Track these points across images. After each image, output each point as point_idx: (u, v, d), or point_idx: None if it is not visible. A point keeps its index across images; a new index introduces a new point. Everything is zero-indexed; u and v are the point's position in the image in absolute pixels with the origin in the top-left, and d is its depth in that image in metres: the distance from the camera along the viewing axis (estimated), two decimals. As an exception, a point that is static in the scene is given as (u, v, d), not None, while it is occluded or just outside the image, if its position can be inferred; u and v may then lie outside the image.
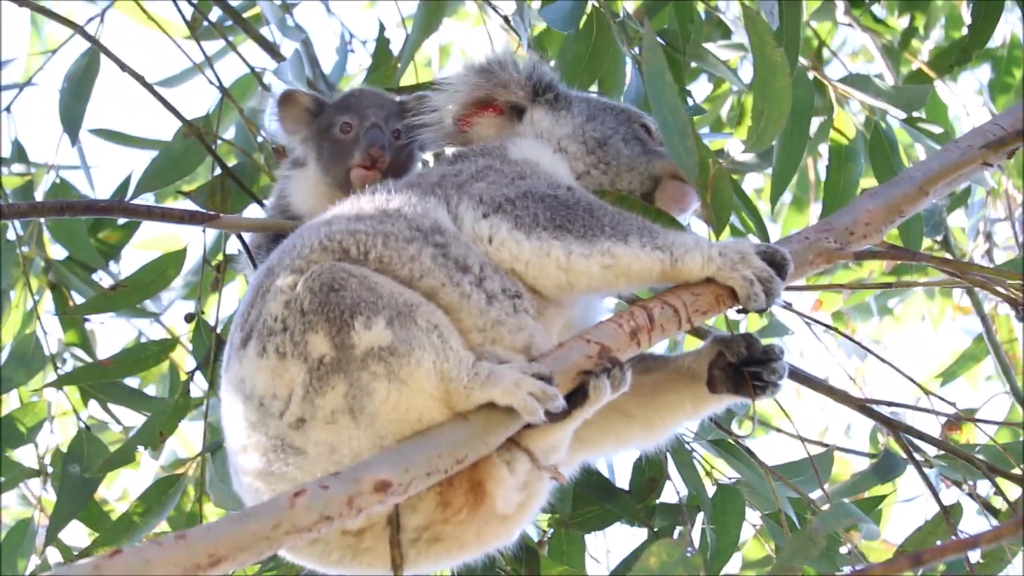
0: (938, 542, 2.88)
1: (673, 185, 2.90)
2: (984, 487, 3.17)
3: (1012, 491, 3.03)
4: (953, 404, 3.08)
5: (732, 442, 3.23)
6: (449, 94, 2.95)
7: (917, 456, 3.07)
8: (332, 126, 2.98)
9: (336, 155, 2.95)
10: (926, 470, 3.04)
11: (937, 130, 3.47)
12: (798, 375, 3.11)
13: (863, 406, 3.08)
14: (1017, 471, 3.01)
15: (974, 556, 2.91)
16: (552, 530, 3.34)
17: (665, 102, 2.76)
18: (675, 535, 3.30)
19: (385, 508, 2.38)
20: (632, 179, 2.90)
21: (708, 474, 3.30)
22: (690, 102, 3.59)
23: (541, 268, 2.58)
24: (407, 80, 3.77)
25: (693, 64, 3.68)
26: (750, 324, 4.21)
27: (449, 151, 3.01)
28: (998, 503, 3.08)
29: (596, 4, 3.35)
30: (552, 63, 3.01)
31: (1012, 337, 4.29)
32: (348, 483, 2.26)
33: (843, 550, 3.00)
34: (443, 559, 2.55)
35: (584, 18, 3.40)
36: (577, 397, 2.45)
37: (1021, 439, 3.17)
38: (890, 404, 3.14)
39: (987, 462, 3.00)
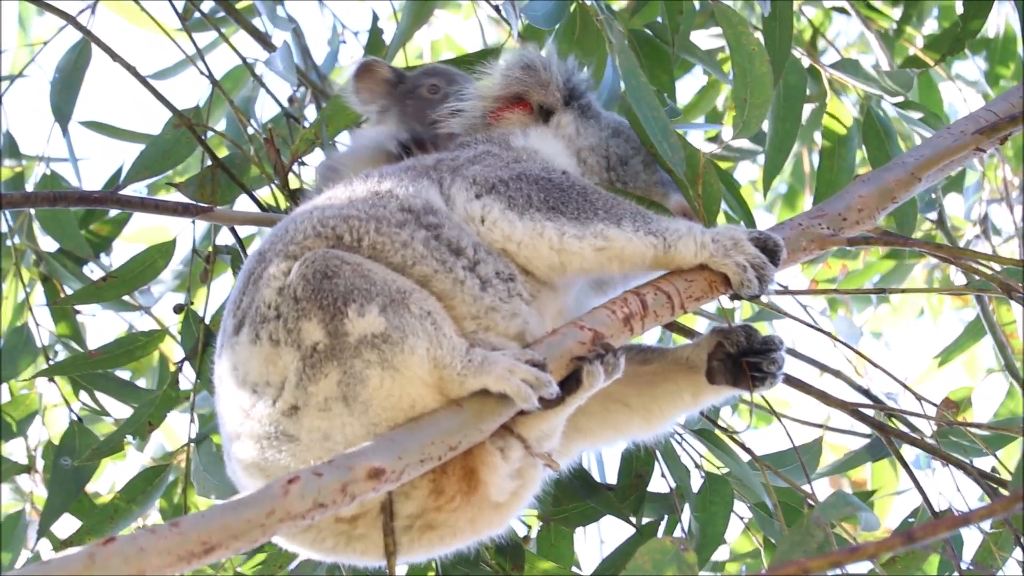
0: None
1: None
2: (986, 463, 3.16)
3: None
4: (951, 409, 3.06)
5: (719, 434, 3.22)
6: (488, 85, 2.95)
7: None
8: (419, 87, 3.07)
9: (422, 111, 3.02)
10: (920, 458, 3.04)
11: (922, 113, 3.46)
12: (792, 380, 3.09)
13: (855, 410, 3.08)
14: (1006, 476, 3.01)
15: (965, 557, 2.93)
16: (538, 525, 3.33)
17: (644, 100, 2.79)
18: (661, 528, 3.30)
19: (379, 495, 2.38)
20: None
21: (698, 467, 3.29)
22: (677, 103, 3.58)
23: (534, 248, 2.57)
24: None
25: (683, 56, 3.68)
26: (744, 312, 4.21)
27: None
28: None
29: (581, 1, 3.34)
30: (586, 71, 3.02)
31: (1010, 319, 4.29)
32: (341, 470, 2.25)
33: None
34: (436, 546, 2.55)
35: (569, 13, 3.39)
36: (571, 383, 2.45)
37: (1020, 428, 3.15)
38: (882, 408, 3.14)
39: (978, 468, 2.99)
